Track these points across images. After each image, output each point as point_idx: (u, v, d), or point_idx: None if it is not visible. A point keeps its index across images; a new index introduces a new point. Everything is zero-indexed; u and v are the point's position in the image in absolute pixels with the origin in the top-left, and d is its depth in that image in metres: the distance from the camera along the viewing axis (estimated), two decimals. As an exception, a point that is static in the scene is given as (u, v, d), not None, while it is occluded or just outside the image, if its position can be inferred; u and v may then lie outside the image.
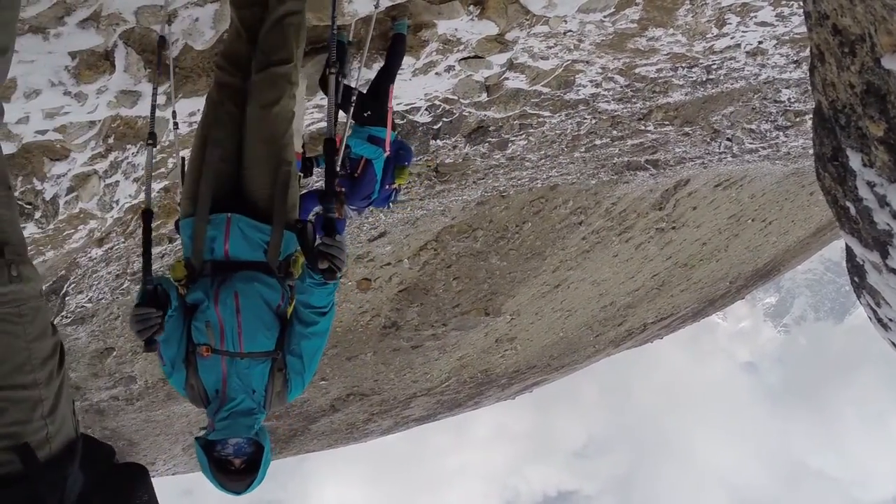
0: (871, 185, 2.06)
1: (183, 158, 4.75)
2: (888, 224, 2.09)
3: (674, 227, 19.21)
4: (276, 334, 3.49)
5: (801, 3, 2.17)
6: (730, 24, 7.33)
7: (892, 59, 1.73)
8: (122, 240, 7.13)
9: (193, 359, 3.45)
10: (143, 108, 4.76)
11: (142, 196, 6.30)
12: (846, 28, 1.90)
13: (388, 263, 14.74)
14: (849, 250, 2.64)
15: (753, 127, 12.76)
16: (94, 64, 3.91)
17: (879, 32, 1.73)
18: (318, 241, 3.15)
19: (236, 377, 3.45)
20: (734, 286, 28.48)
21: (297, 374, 3.51)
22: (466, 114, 8.54)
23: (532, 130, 9.77)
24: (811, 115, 2.59)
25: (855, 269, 2.68)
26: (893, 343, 2.85)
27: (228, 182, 3.68)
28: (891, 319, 2.61)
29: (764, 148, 14.09)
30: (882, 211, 2.06)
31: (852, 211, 2.27)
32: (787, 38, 8.02)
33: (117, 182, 5.48)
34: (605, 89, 8.74)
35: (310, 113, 6.84)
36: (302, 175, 5.69)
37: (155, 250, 7.92)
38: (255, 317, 3.43)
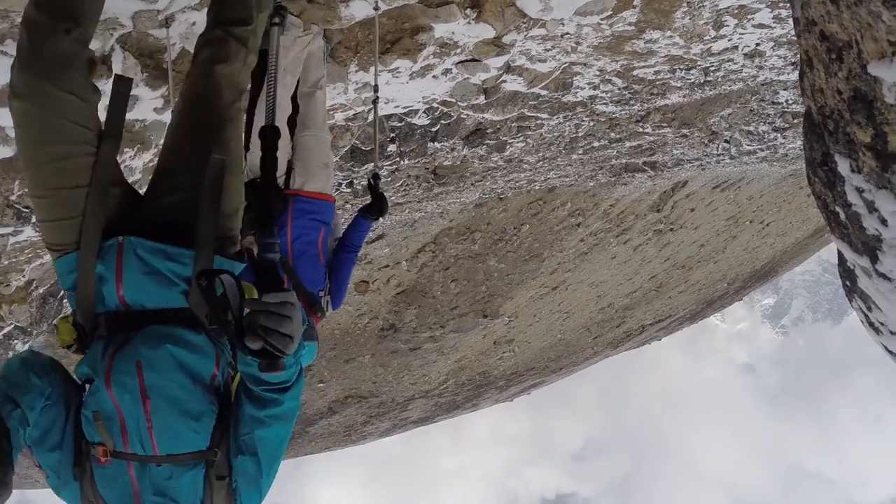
0: (859, 190, 2.07)
1: None
2: (877, 229, 2.10)
3: (672, 229, 19.24)
4: (212, 422, 2.28)
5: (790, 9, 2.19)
6: (727, 26, 7.34)
7: (878, 65, 1.75)
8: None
9: (88, 464, 2.24)
10: (140, 112, 4.78)
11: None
12: (833, 34, 1.92)
13: (386, 266, 14.75)
14: (840, 255, 2.66)
15: (751, 129, 12.79)
16: (91, 68, 3.91)
17: (865, 39, 1.75)
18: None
19: (151, 493, 2.23)
20: (732, 287, 28.50)
21: (251, 481, 2.28)
22: (464, 116, 8.56)
23: (530, 133, 9.79)
24: (806, 118, 2.60)
25: (846, 273, 2.70)
26: (885, 346, 2.86)
27: (116, 191, 2.50)
28: (882, 323, 2.63)
29: (762, 150, 14.12)
30: (871, 216, 2.08)
31: (842, 216, 2.29)
32: (784, 40, 8.04)
33: (115, 185, 5.49)
34: (603, 91, 8.76)
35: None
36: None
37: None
38: (172, 402, 2.22)
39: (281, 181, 4.85)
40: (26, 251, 5.52)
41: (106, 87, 4.16)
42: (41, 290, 6.47)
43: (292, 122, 4.91)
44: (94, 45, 3.77)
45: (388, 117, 8.04)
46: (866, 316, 2.76)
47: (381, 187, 5.08)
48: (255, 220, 3.64)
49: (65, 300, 6.98)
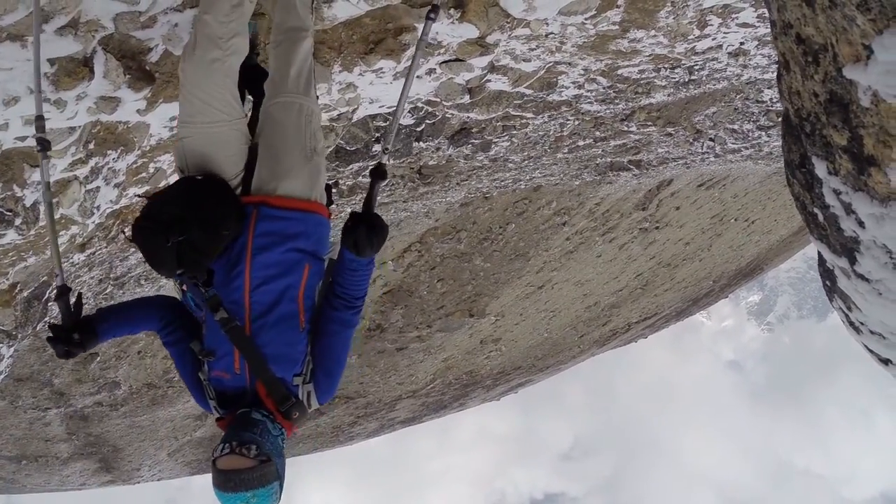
0: (836, 192, 2.09)
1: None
2: (854, 231, 2.11)
3: (657, 227, 19.28)
4: None
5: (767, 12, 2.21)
6: (711, 25, 7.36)
7: (853, 69, 1.76)
8: (104, 245, 7.10)
9: None
10: (123, 114, 4.76)
11: (123, 201, 6.27)
12: (809, 37, 1.93)
13: (372, 265, 14.69)
14: (820, 255, 2.68)
15: (736, 127, 12.82)
16: (72, 70, 3.89)
17: (840, 43, 1.76)
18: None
19: None
20: (718, 285, 28.59)
21: None
22: (449, 116, 8.55)
23: (515, 132, 9.79)
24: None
25: (826, 273, 2.71)
26: (866, 346, 2.88)
27: None
28: (862, 323, 2.64)
29: (746, 148, 14.15)
30: (848, 218, 2.09)
31: (820, 217, 2.30)
32: (768, 39, 8.06)
33: (98, 188, 5.46)
34: (588, 91, 8.76)
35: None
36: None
37: (138, 255, 7.91)
38: None
39: (236, 181, 3.12)
40: (10, 254, 5.49)
41: (88, 89, 4.14)
42: (25, 293, 6.43)
43: (252, 79, 3.45)
44: (76, 48, 3.75)
45: (373, 117, 8.02)
46: (846, 316, 2.77)
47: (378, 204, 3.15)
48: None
49: (49, 303, 6.93)
